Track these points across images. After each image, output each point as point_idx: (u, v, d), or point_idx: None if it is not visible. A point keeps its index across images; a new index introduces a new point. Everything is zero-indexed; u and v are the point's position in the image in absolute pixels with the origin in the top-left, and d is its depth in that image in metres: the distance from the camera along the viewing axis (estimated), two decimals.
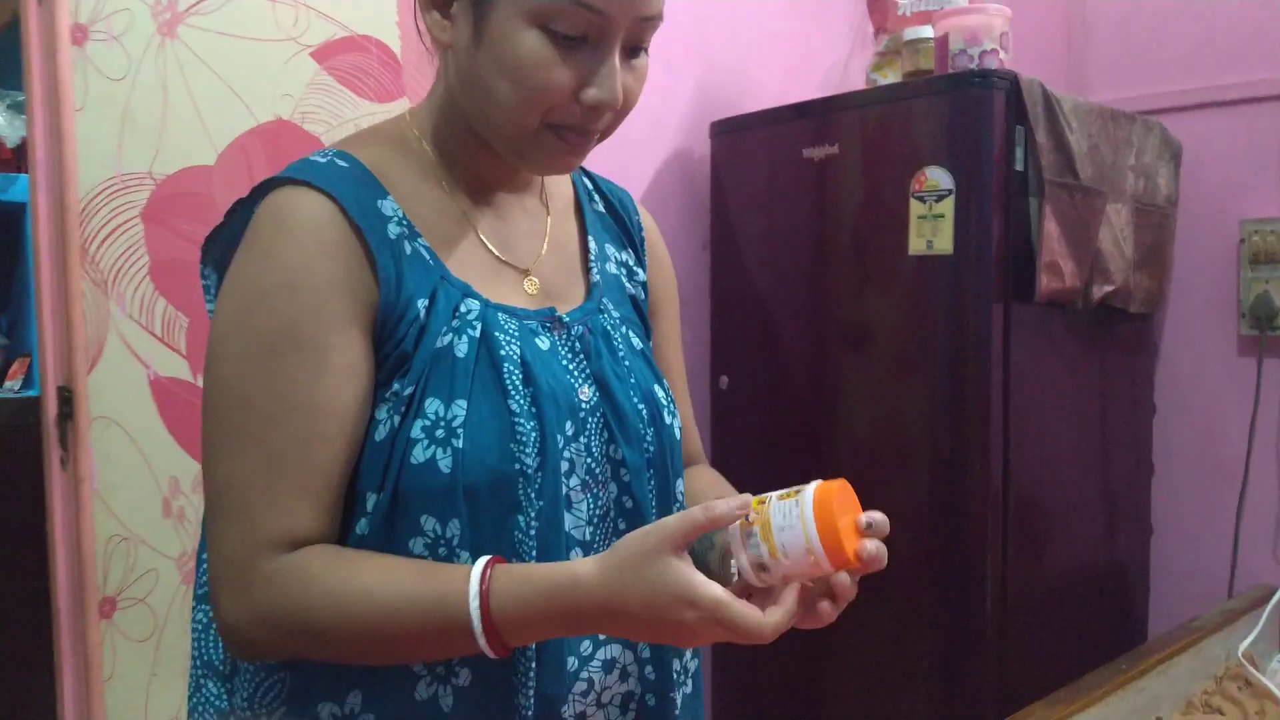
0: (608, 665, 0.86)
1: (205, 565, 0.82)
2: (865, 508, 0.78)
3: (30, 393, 2.06)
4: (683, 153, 2.29)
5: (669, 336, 1.07)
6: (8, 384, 2.22)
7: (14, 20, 1.53)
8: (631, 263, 1.01)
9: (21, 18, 1.44)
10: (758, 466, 2.23)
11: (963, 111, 1.85)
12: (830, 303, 2.12)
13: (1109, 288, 1.97)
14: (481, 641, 0.73)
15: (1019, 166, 1.83)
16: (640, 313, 1.00)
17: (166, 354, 1.50)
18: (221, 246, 0.85)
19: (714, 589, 0.70)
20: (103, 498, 1.46)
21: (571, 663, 0.84)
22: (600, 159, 2.15)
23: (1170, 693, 1.85)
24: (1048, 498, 2.02)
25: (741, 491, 0.98)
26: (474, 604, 0.73)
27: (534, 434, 0.81)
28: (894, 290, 1.98)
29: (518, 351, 0.83)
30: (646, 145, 2.22)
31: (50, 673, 1.48)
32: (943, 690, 1.93)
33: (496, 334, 0.83)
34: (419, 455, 0.78)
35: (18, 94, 2.06)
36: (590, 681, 0.85)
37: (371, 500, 0.80)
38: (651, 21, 0.81)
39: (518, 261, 0.91)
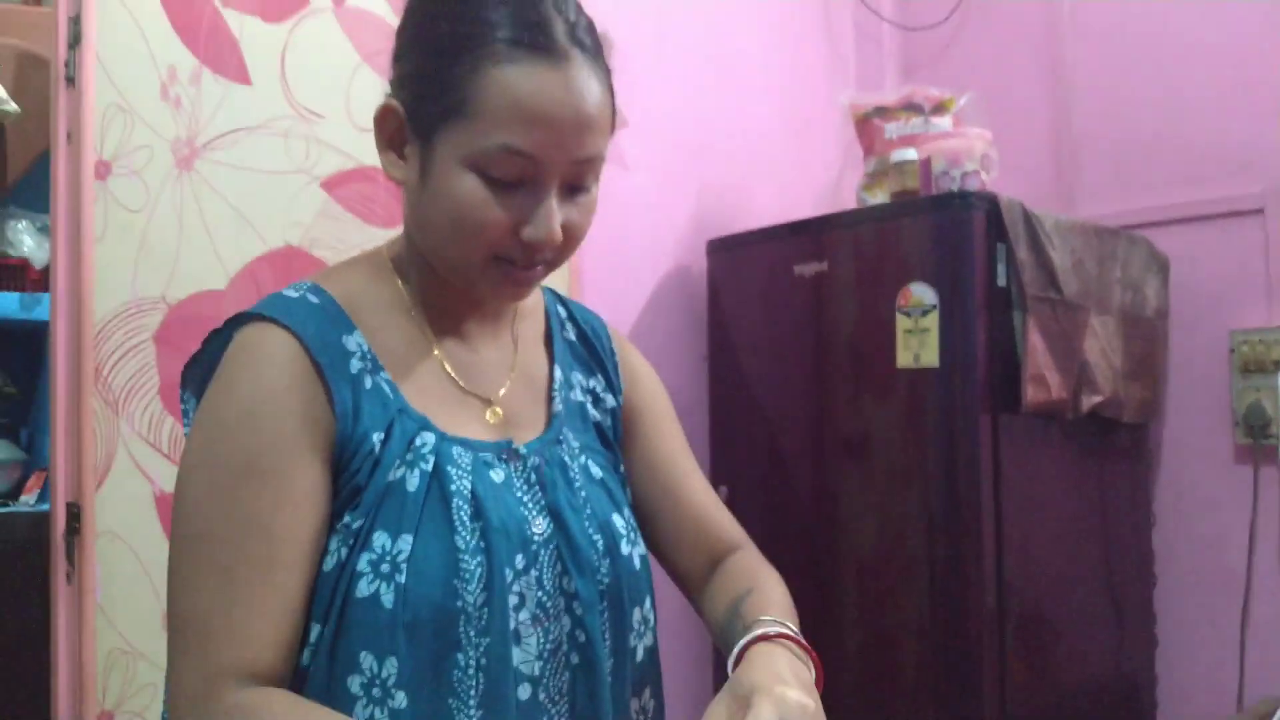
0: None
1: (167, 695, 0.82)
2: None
3: (44, 507, 2.12)
4: (681, 269, 2.37)
5: (665, 438, 1.05)
6: (24, 498, 2.28)
7: (47, 150, 1.64)
8: (599, 389, 1.01)
9: (51, 154, 1.55)
10: None
11: (945, 230, 1.91)
12: (827, 414, 2.16)
13: (1098, 398, 2.01)
14: None
15: (1001, 282, 1.89)
16: (606, 440, 1.00)
17: (172, 470, 1.56)
18: (199, 373, 0.88)
19: None
20: (105, 611, 1.49)
21: (522, 691, 0.84)
22: (601, 275, 2.25)
23: None
24: (1048, 608, 2.01)
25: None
26: None
27: (480, 569, 0.82)
28: (887, 402, 2.02)
29: (469, 486, 0.84)
30: (646, 262, 2.31)
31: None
32: None
33: (449, 468, 0.84)
34: (363, 589, 0.79)
35: (47, 217, 2.18)
36: None
37: (315, 631, 0.80)
38: (589, 163, 0.84)
39: (482, 391, 0.92)
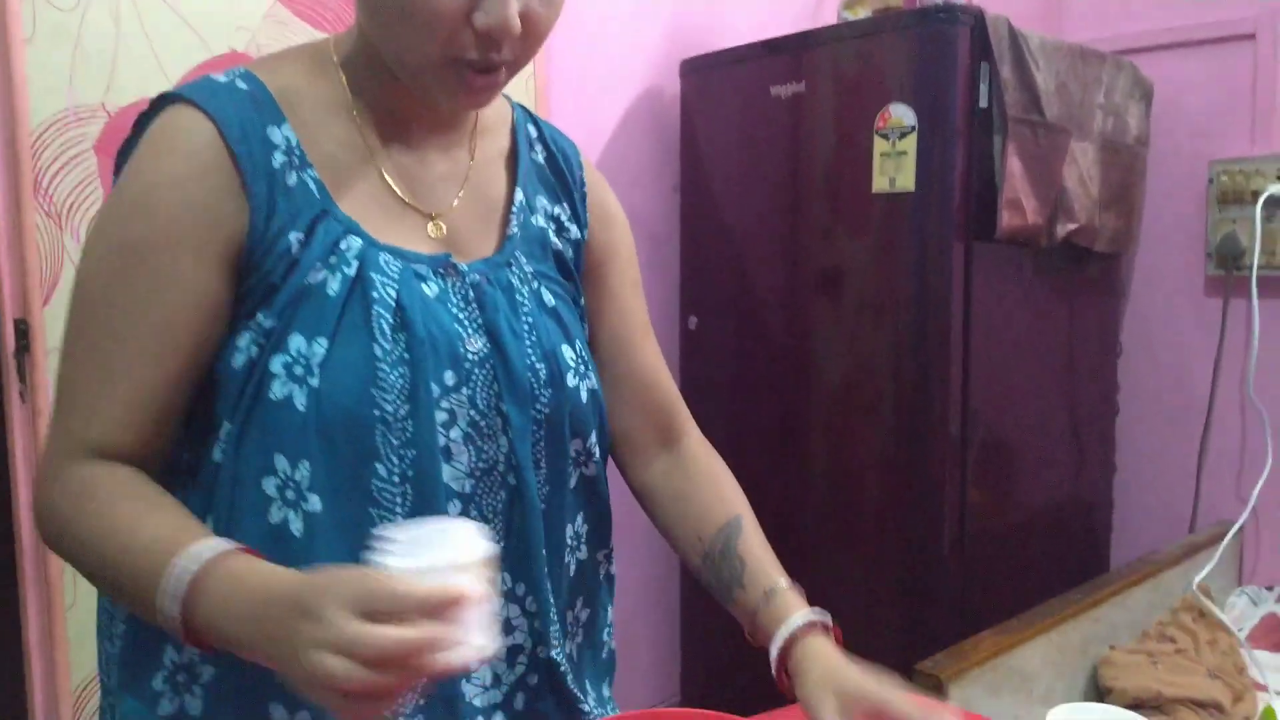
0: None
1: None
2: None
3: None
4: (653, 92, 2.28)
5: (626, 290, 1.02)
6: None
7: None
8: (564, 217, 0.97)
9: None
10: (726, 406, 2.25)
11: (927, 48, 1.84)
12: (800, 243, 2.12)
13: (1073, 225, 1.98)
14: (175, 613, 0.70)
15: (983, 103, 1.83)
16: (566, 270, 0.96)
17: None
18: (123, 158, 0.84)
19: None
20: None
21: (452, 508, 0.83)
22: (568, 97, 2.15)
23: (1127, 622, 1.89)
24: (1011, 436, 2.04)
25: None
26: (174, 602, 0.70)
27: (402, 380, 0.80)
28: (861, 230, 1.98)
29: (394, 294, 0.81)
30: (615, 84, 2.21)
31: (15, 602, 1.50)
32: (904, 623, 1.97)
33: (373, 274, 0.81)
34: (277, 391, 0.77)
35: None
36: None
37: (226, 428, 0.79)
38: None
39: (426, 205, 0.88)
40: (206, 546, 0.71)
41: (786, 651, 0.88)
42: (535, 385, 0.87)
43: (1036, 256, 2.01)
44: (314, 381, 0.77)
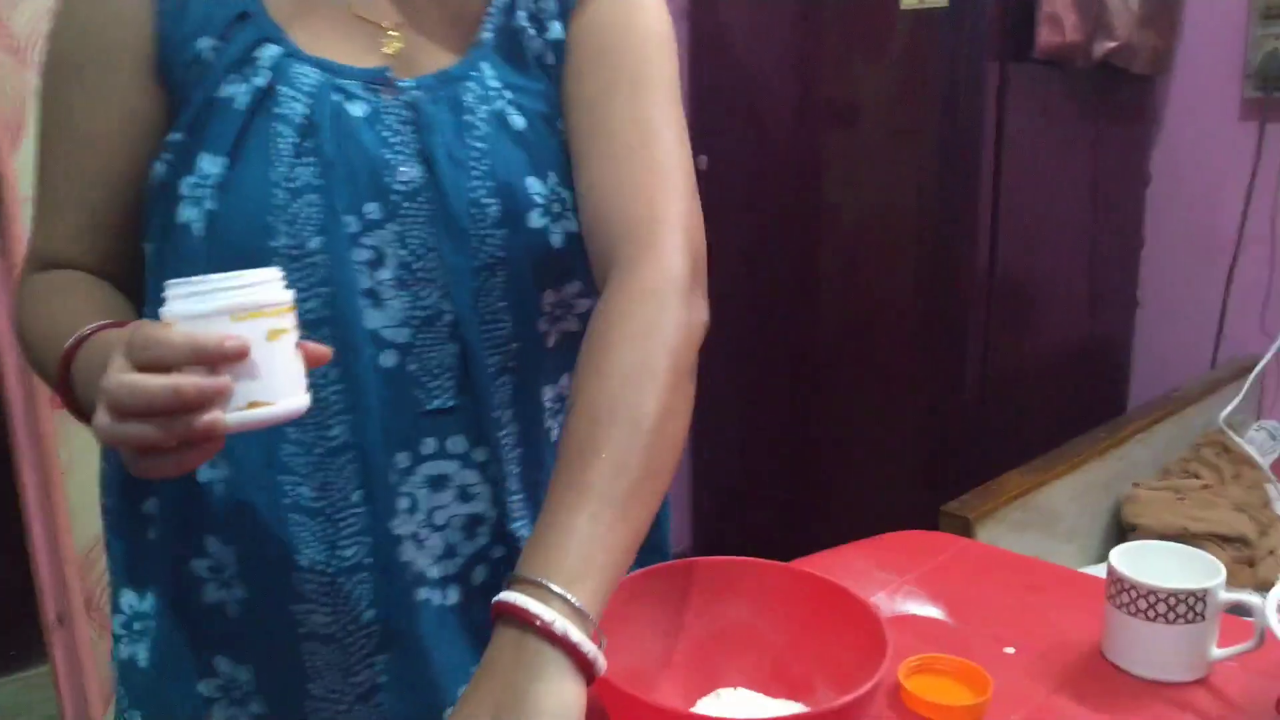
0: (435, 482, 0.77)
1: None
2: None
3: None
4: None
5: (610, 93, 0.80)
6: None
7: None
8: (546, 13, 0.81)
9: None
10: (740, 248, 2.16)
11: None
12: (817, 72, 1.99)
13: (1112, 44, 1.85)
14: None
15: None
16: (550, 78, 0.81)
17: None
18: None
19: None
20: None
21: (388, 477, 0.76)
22: None
23: (1150, 459, 1.86)
24: (1037, 272, 1.96)
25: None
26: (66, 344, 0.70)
27: (312, 210, 0.71)
28: (884, 53, 1.85)
29: (302, 111, 0.72)
30: None
31: (10, 464, 1.45)
32: (927, 462, 1.94)
33: (283, 88, 0.72)
34: (182, 214, 0.72)
35: None
36: (414, 499, 0.76)
37: (148, 250, 0.76)
38: None
39: (377, 15, 0.77)
40: (92, 325, 0.70)
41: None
42: (480, 223, 0.76)
43: (1070, 78, 1.88)
44: (210, 205, 0.71)
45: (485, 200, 0.76)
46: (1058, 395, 2.09)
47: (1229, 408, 1.94)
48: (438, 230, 0.75)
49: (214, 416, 0.57)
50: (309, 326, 0.71)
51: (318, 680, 0.77)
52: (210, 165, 0.71)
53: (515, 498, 0.80)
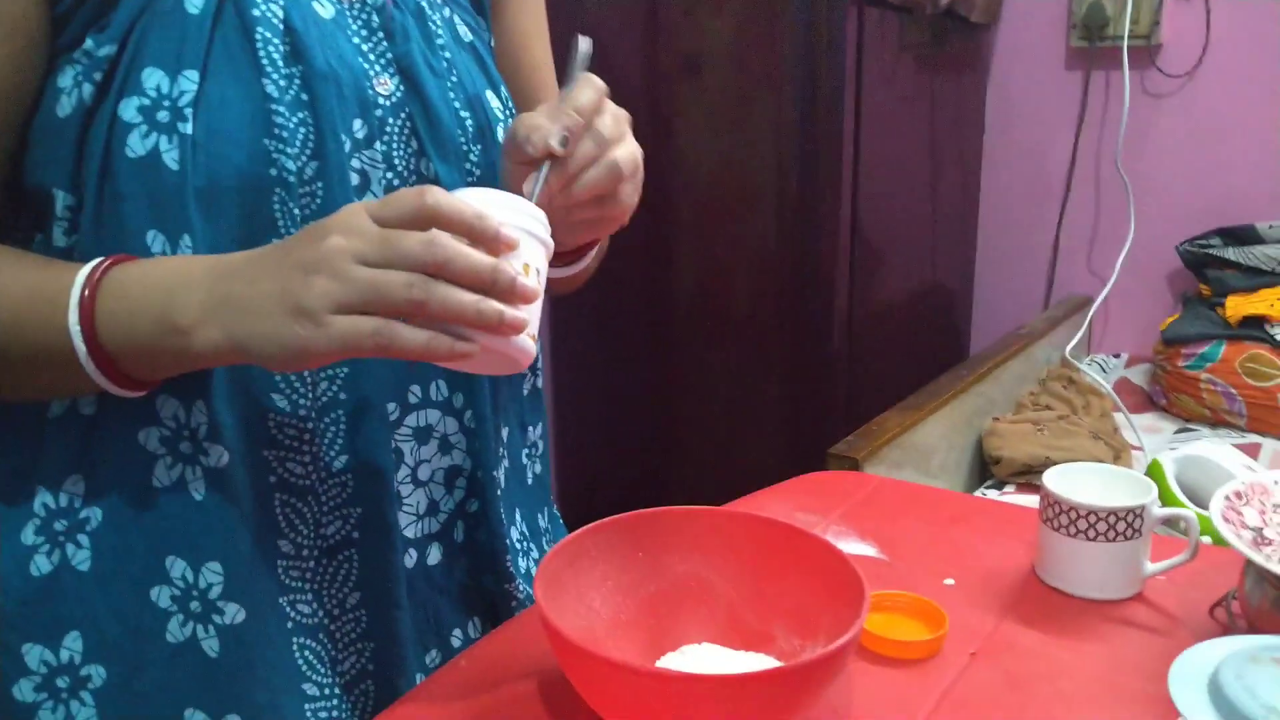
0: (421, 434, 0.72)
1: None
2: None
3: None
4: None
5: (533, 28, 0.86)
6: None
7: None
8: None
9: None
10: None
11: None
12: (665, 23, 1.94)
13: None
14: (80, 345, 0.57)
15: None
16: (476, 1, 0.80)
17: None
18: None
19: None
20: None
21: (378, 431, 0.70)
22: None
23: (1002, 396, 1.93)
24: (890, 218, 1.99)
25: None
26: (75, 295, 0.57)
27: (304, 130, 0.63)
28: (733, 0, 1.82)
29: (280, 13, 0.63)
30: None
31: None
32: (794, 416, 1.95)
33: None
34: (136, 145, 0.59)
35: None
36: (399, 453, 0.71)
37: (61, 200, 0.62)
38: None
39: None
40: (91, 265, 0.59)
41: None
42: (463, 138, 0.71)
43: (917, 26, 1.91)
44: (186, 128, 0.59)
45: (462, 113, 0.71)
46: (908, 343, 2.14)
47: (1073, 342, 2.04)
48: (423, 146, 0.68)
49: (517, 313, 0.56)
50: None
51: (310, 680, 0.69)
52: (169, 82, 0.59)
53: (490, 444, 0.75)
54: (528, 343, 0.58)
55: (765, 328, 1.94)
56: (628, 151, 0.65)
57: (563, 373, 2.27)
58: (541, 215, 0.61)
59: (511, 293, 0.55)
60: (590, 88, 0.63)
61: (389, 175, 0.68)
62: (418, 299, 0.53)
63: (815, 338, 1.88)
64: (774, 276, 1.91)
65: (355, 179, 0.66)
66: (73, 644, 0.64)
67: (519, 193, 0.62)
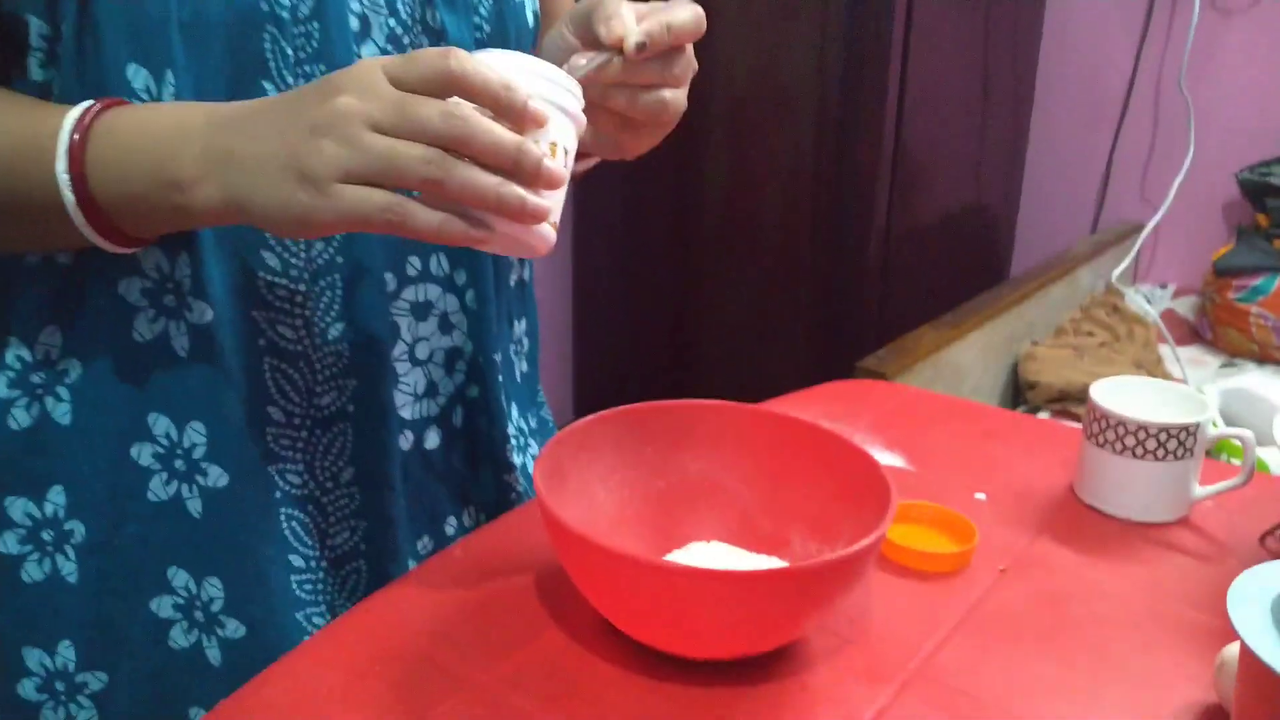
0: (419, 309, 0.67)
1: None
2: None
3: None
4: None
5: None
6: None
7: None
8: None
9: None
10: None
11: None
12: None
13: None
14: (69, 194, 0.52)
15: None
16: None
17: None
18: None
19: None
20: None
21: (373, 301, 0.65)
22: None
23: (1042, 320, 1.86)
24: (936, 132, 1.90)
25: None
26: (63, 140, 0.52)
27: None
28: None
29: None
30: None
31: None
32: (823, 329, 1.88)
33: None
34: None
35: None
36: (395, 327, 0.66)
37: (35, 28, 0.55)
38: None
39: None
40: (82, 108, 0.53)
41: None
42: None
43: None
44: None
45: None
46: (948, 260, 2.07)
47: (1119, 269, 1.95)
48: None
49: (540, 200, 0.51)
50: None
51: (297, 552, 0.66)
52: None
53: (491, 327, 0.70)
54: (548, 230, 0.53)
55: (797, 238, 1.87)
56: (680, 100, 0.61)
57: (585, 278, 2.21)
58: (576, 88, 0.55)
59: (536, 176, 0.50)
60: (691, 14, 0.58)
61: (391, 22, 0.62)
62: (435, 177, 0.49)
63: (850, 250, 1.81)
64: (809, 186, 1.83)
65: (355, 23, 0.61)
66: (56, 498, 0.61)
67: (557, 60, 0.57)
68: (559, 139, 0.53)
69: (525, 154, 0.49)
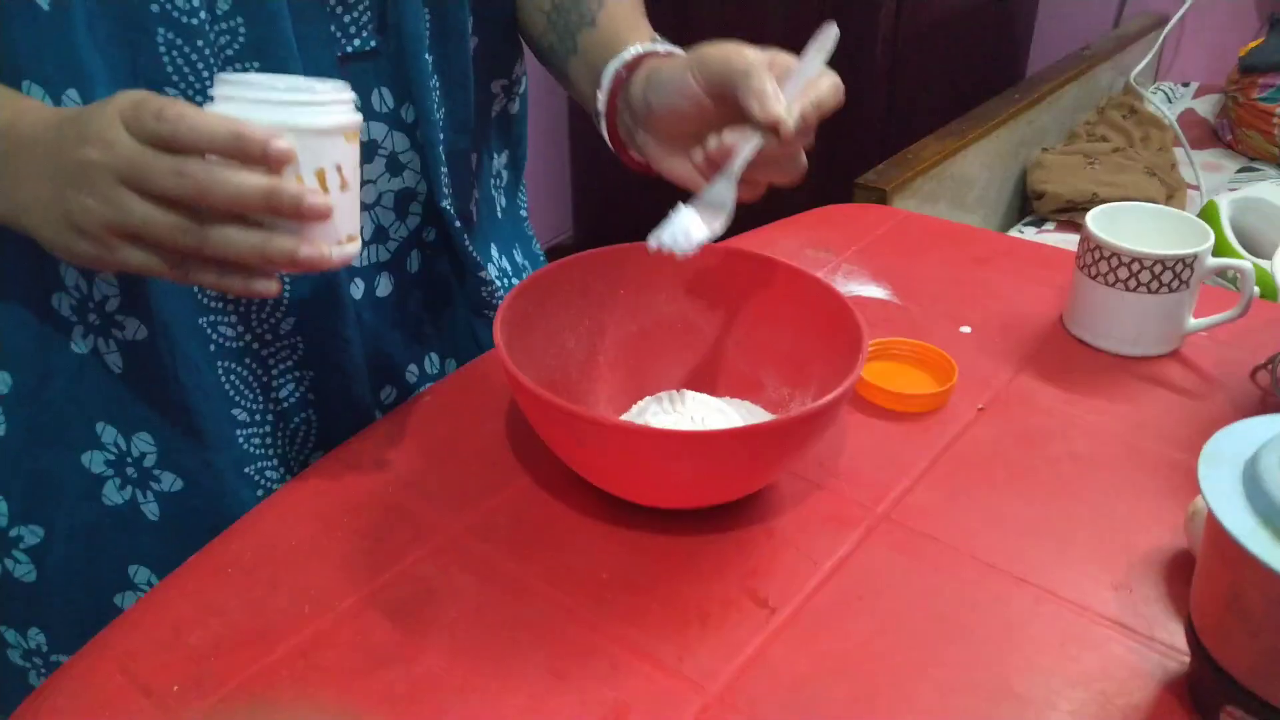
0: (364, 149, 0.62)
1: None
2: None
3: None
4: None
5: None
6: None
7: None
8: None
9: None
10: None
11: None
12: None
13: None
14: None
15: None
16: None
17: None
18: None
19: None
20: None
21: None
22: None
23: (1055, 125, 1.78)
24: None
25: None
26: None
27: None
28: None
29: None
30: None
31: None
32: (822, 141, 1.81)
33: None
34: None
35: None
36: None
37: None
38: None
39: None
40: None
41: (620, 93, 0.60)
42: None
43: None
44: None
45: None
46: (961, 57, 1.96)
47: (1140, 66, 1.85)
48: None
49: (315, 249, 0.46)
50: None
51: (239, 405, 0.64)
52: None
53: (441, 169, 0.66)
54: (344, 252, 0.48)
55: (799, 34, 1.77)
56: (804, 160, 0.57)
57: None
58: (344, 93, 0.48)
59: (298, 215, 0.45)
60: (833, 87, 0.53)
61: None
62: (191, 245, 0.45)
63: (853, 52, 1.71)
64: None
65: None
66: None
67: (683, 107, 0.55)
68: (325, 161, 0.47)
69: (277, 198, 0.44)
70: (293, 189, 0.45)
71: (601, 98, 0.61)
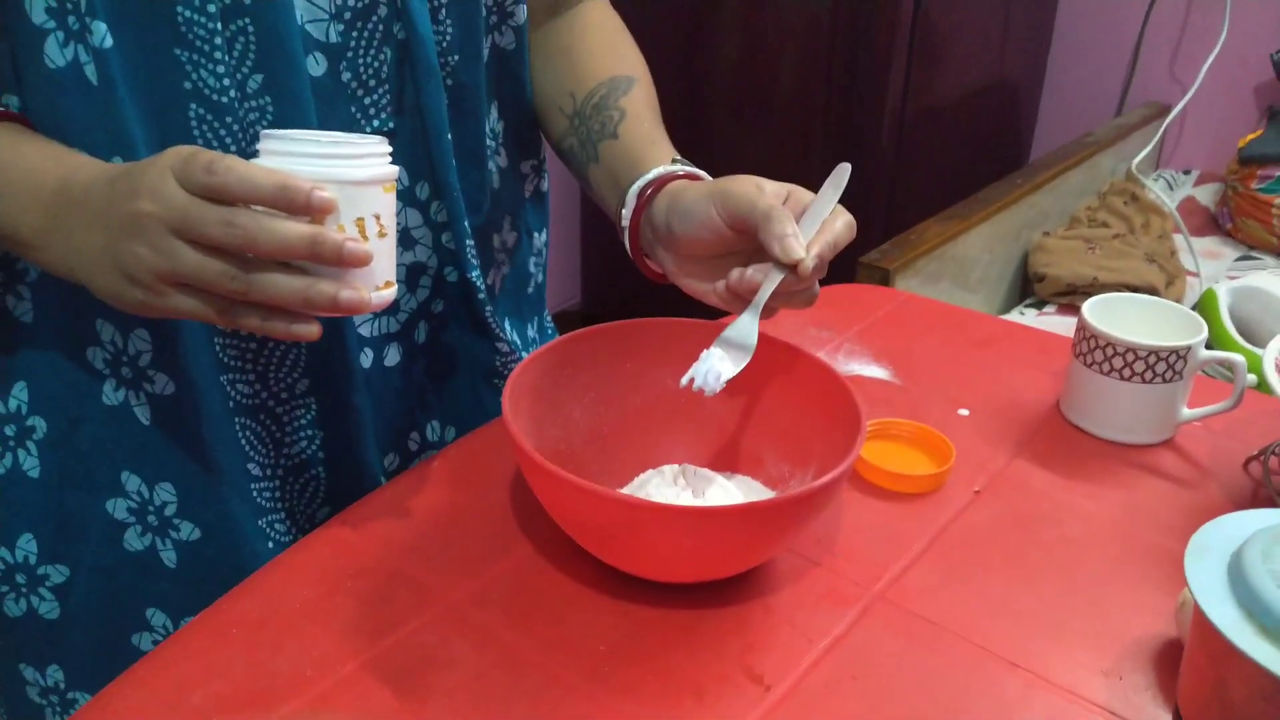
0: None
1: None
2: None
3: None
4: None
5: None
6: None
7: None
8: None
9: None
10: None
11: None
12: None
13: None
14: None
15: None
16: None
17: None
18: None
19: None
20: None
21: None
22: None
23: (1057, 209, 1.81)
24: (954, 10, 1.81)
25: None
26: None
27: None
28: None
29: None
30: None
31: None
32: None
33: None
34: None
35: None
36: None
37: None
38: None
39: None
40: None
41: (644, 211, 0.63)
42: None
43: None
44: None
45: None
46: (967, 142, 2.00)
47: (1142, 154, 1.89)
48: None
49: (355, 293, 0.49)
50: (215, 16, 0.55)
51: (253, 460, 0.66)
52: None
53: (468, 244, 0.68)
54: (382, 297, 0.52)
55: (809, 116, 1.82)
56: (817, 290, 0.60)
57: None
58: (381, 146, 0.52)
59: (339, 262, 0.48)
60: (847, 226, 0.57)
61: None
62: (238, 290, 0.48)
63: (862, 132, 1.76)
64: (822, 61, 1.77)
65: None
66: (20, 394, 0.62)
67: (703, 238, 0.58)
68: (364, 211, 0.50)
69: (320, 245, 0.48)
70: (335, 237, 0.48)
71: (626, 214, 0.64)
